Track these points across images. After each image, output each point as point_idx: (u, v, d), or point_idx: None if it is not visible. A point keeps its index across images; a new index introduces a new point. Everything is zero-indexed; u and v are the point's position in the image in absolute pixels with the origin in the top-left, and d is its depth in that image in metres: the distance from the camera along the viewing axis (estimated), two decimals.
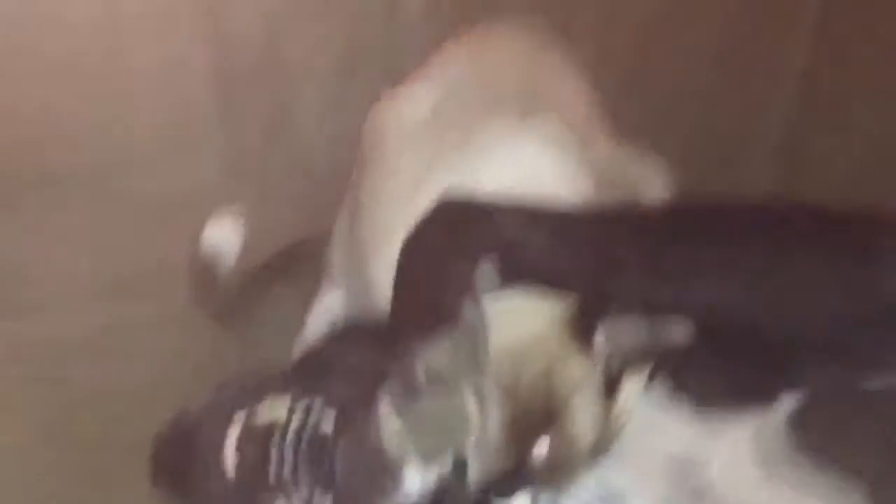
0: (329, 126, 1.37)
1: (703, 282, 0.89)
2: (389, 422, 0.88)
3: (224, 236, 1.24)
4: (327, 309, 1.23)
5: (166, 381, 1.11)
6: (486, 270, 0.91)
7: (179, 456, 0.95)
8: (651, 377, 0.90)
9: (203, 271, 1.24)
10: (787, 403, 0.83)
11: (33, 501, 1.08)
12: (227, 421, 0.91)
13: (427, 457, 0.87)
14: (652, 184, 1.19)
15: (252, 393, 0.93)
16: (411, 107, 1.11)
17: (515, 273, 0.92)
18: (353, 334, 1.07)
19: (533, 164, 1.02)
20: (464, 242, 0.94)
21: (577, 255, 0.93)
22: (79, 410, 1.14)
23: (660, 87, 1.46)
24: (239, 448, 0.90)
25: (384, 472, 0.87)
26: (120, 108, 1.23)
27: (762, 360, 0.87)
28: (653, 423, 0.88)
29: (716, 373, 0.89)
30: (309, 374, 0.96)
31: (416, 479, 0.87)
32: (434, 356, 0.87)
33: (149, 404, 1.00)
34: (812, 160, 1.46)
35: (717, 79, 1.48)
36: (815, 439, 0.82)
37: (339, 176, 1.21)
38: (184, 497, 0.96)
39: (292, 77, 1.34)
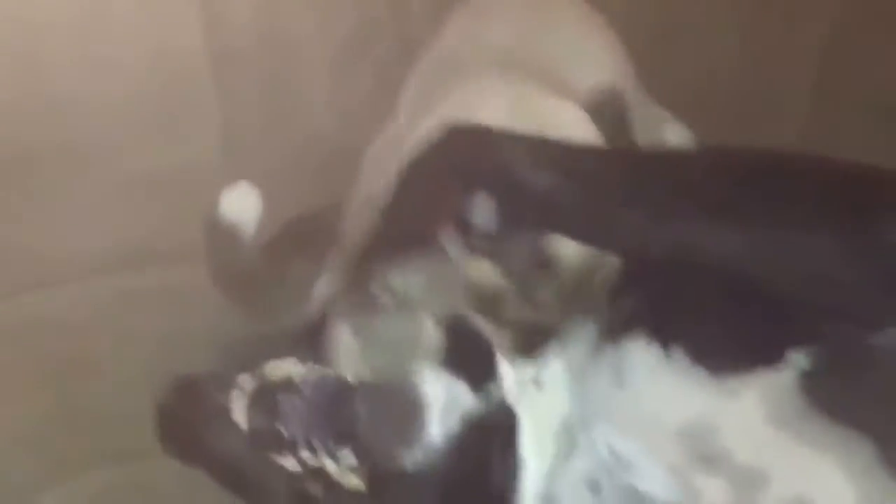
0: (335, 101, 1.36)
1: (710, 229, 0.86)
2: (342, 336, 0.86)
3: (242, 206, 1.20)
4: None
5: (172, 355, 1.09)
6: (483, 204, 0.87)
7: (186, 421, 0.94)
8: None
9: (222, 243, 1.20)
10: (797, 361, 0.81)
11: (41, 480, 1.07)
12: (232, 383, 0.89)
13: (375, 375, 0.84)
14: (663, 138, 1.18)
15: (257, 356, 0.91)
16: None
17: (517, 212, 0.88)
18: None
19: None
20: (463, 173, 0.89)
21: (583, 197, 0.89)
22: (85, 385, 1.13)
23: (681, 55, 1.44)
24: (249, 406, 0.87)
25: (407, 419, 0.84)
26: (112, 84, 1.23)
27: (769, 318, 0.84)
28: (661, 390, 0.86)
29: (723, 332, 0.86)
30: (313, 337, 0.94)
31: (440, 423, 0.84)
32: (397, 278, 0.86)
33: (155, 378, 0.98)
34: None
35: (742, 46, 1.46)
36: (826, 396, 0.78)
37: (347, 151, 1.20)
38: (195, 461, 0.94)
39: (295, 52, 1.33)
